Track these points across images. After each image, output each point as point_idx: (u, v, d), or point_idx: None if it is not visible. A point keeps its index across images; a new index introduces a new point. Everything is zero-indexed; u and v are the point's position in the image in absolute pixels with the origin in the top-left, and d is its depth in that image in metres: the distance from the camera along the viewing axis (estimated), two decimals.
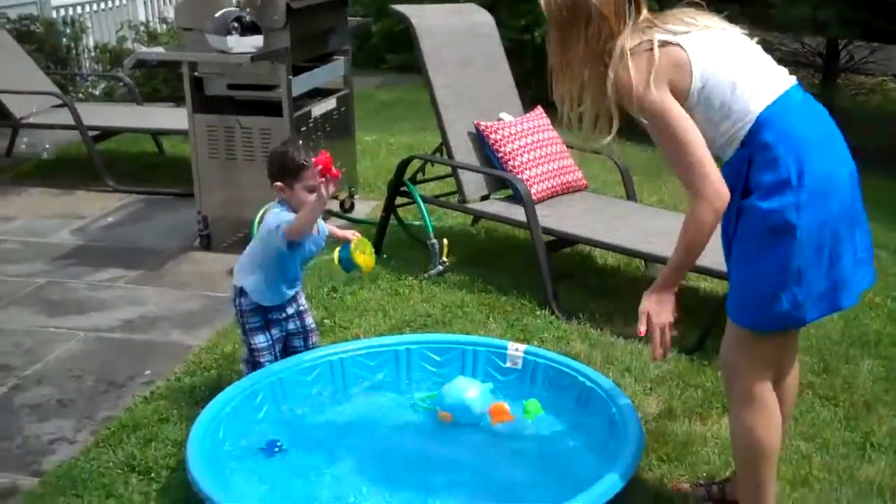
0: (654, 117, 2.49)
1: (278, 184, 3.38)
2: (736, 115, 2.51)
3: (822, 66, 12.96)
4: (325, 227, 3.59)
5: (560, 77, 2.64)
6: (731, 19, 2.74)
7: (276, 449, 3.23)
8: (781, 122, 2.50)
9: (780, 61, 2.65)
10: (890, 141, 10.90)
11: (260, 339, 3.51)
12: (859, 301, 4.66)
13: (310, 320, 3.68)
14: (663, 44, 2.51)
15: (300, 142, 3.59)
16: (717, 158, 2.54)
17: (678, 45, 2.52)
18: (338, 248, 3.51)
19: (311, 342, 3.67)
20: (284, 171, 3.37)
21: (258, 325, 3.51)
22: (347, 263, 3.50)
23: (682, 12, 2.64)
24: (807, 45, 13.18)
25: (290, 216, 3.34)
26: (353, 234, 3.60)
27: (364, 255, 3.49)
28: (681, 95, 2.51)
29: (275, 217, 3.36)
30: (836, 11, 11.22)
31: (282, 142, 3.67)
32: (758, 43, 2.67)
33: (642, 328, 2.68)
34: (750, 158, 2.51)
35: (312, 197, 3.32)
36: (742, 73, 2.54)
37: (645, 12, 2.59)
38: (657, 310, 2.69)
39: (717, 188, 2.45)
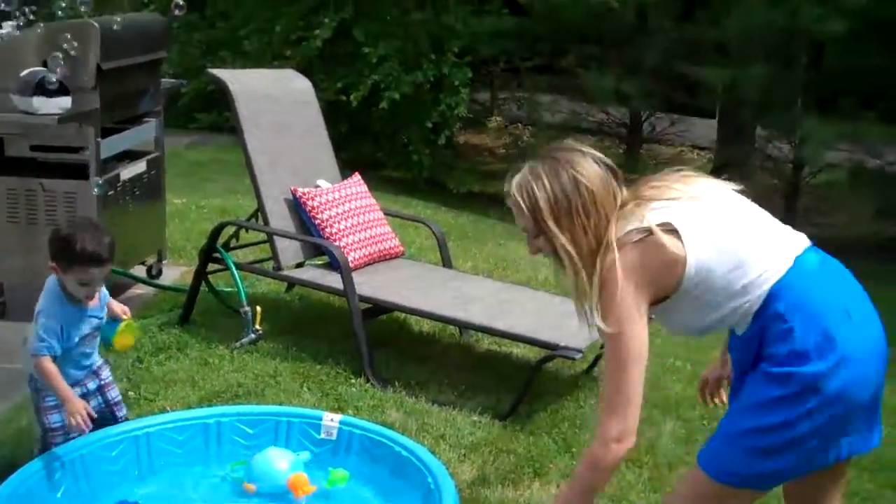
0: (613, 335, 2.36)
1: (52, 263, 3.17)
2: (745, 293, 2.33)
3: (626, 136, 13.65)
4: (106, 295, 3.39)
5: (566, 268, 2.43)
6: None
7: None
8: (796, 290, 2.31)
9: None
10: None
11: (55, 419, 3.26)
12: (661, 365, 4.88)
13: (114, 393, 3.48)
14: (658, 229, 2.33)
15: (96, 226, 3.33)
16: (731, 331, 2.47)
17: (674, 230, 2.33)
18: (104, 322, 3.36)
19: (119, 416, 3.49)
20: (62, 254, 3.15)
21: (53, 403, 3.26)
22: (106, 341, 3.40)
23: (665, 178, 2.48)
24: (612, 115, 13.86)
25: (45, 328, 3.14)
26: (123, 313, 3.42)
27: (124, 339, 3.40)
28: (670, 287, 2.36)
29: (38, 316, 3.17)
30: (639, 84, 11.88)
31: (73, 221, 3.45)
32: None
33: None
34: (762, 331, 2.34)
35: (84, 291, 3.17)
36: (748, 248, 2.35)
37: (625, 191, 2.44)
38: None
39: (625, 437, 2.37)
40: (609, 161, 2.47)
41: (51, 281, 3.24)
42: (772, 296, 2.31)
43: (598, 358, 4.71)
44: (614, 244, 2.34)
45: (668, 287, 2.36)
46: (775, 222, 2.46)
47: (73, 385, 3.27)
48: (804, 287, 2.32)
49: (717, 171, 10.68)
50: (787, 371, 2.27)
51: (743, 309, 2.34)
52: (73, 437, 3.30)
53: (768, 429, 2.29)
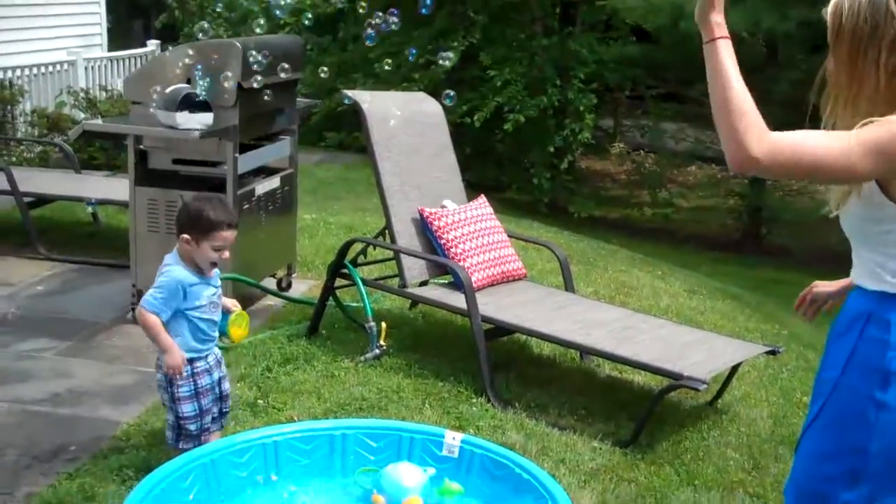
0: (858, 143, 2.07)
1: (185, 236, 3.39)
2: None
3: None
4: (218, 275, 3.60)
5: (835, 98, 2.23)
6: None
7: None
8: None
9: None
10: (817, 242, 11.21)
11: (188, 409, 3.48)
12: (787, 400, 4.78)
13: (226, 385, 3.69)
14: None
15: (220, 198, 3.63)
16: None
17: None
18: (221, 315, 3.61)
19: (225, 408, 3.71)
20: (196, 225, 3.38)
21: (188, 394, 3.47)
22: (222, 331, 3.64)
23: None
24: None
25: (163, 285, 3.37)
26: (234, 305, 3.67)
27: (239, 329, 3.64)
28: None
29: (160, 275, 3.42)
30: (768, 115, 11.65)
31: (198, 195, 3.66)
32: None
33: None
34: (869, 316, 2.20)
35: (216, 256, 3.40)
36: None
37: None
38: None
39: (750, 168, 2.09)
40: None
41: (171, 256, 3.46)
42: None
43: (721, 390, 4.64)
44: None
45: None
46: None
47: (198, 359, 3.48)
48: None
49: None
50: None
51: (889, 274, 2.18)
52: (205, 423, 3.53)
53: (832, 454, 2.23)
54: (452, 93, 4.35)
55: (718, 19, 2.17)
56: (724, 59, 2.15)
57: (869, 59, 2.15)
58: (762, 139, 2.06)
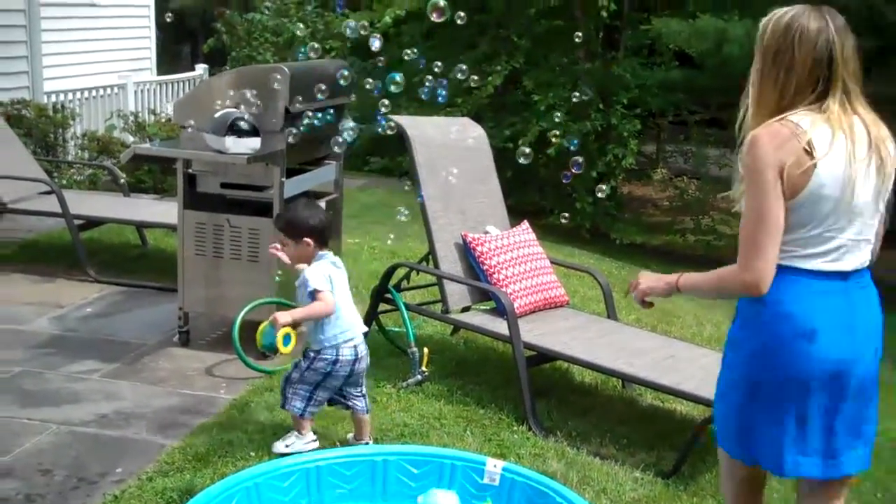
0: (750, 174, 2.54)
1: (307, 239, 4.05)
2: (793, 244, 2.55)
3: None
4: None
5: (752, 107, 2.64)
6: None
7: None
8: (808, 299, 2.55)
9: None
10: None
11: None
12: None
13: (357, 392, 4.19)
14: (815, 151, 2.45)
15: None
16: None
17: (810, 146, 2.47)
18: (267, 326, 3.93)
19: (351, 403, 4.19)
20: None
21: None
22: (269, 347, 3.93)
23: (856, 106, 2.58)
24: None
25: (323, 273, 4.04)
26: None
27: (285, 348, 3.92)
28: (791, 188, 2.49)
29: (311, 271, 4.05)
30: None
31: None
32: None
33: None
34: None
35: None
36: (841, 214, 2.52)
37: (836, 97, 2.55)
38: (646, 279, 2.88)
39: (758, 277, 2.51)
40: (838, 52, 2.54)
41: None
42: (792, 277, 2.55)
43: None
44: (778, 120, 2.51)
45: (792, 185, 2.50)
46: (876, 227, 2.62)
47: (346, 341, 3.98)
48: (816, 304, 2.54)
49: None
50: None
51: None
52: None
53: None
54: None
55: (668, 279, 2.78)
56: (696, 288, 2.76)
57: (768, 76, 2.56)
58: (744, 269, 2.54)
